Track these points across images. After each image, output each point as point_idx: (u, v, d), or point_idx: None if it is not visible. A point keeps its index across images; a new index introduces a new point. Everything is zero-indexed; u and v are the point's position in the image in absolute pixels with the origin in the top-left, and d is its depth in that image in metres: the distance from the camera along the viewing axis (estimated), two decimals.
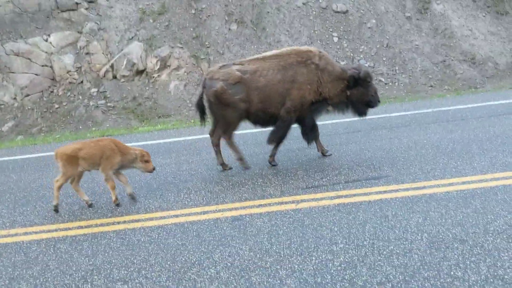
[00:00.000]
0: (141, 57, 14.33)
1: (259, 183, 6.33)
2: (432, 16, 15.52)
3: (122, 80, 14.19)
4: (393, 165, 6.53)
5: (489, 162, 6.18)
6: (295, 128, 7.32)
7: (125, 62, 14.18)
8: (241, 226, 4.95)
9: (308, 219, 4.95)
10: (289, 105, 6.80)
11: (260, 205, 5.50)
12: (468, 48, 14.73)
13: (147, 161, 5.88)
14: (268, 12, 15.49)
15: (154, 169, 5.98)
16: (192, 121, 12.53)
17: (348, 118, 9.98)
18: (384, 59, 14.42)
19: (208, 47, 14.79)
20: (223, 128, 7.02)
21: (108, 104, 13.75)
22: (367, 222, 4.74)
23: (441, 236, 4.28)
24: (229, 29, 15.11)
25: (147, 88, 14.11)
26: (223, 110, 6.85)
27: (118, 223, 5.42)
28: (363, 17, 15.38)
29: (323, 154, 7.36)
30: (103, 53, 14.46)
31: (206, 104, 7.13)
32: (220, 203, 5.71)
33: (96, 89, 13.99)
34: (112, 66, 14.28)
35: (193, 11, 15.36)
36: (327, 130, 9.31)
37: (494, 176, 5.63)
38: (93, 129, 12.98)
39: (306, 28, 15.14)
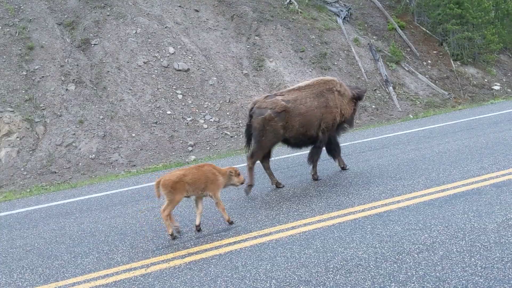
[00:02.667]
0: None
1: (105, 251, 5.91)
2: (267, 73, 16.87)
3: None
4: (242, 214, 6.69)
5: (325, 203, 6.72)
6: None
7: None
8: None
9: (159, 283, 4.74)
10: (324, 127, 7.90)
11: (106, 275, 5.10)
12: None
13: (239, 175, 6.39)
14: (108, 71, 15.18)
15: (244, 180, 6.58)
16: (28, 190, 11.37)
17: None
18: (228, 113, 15.07)
19: (43, 109, 13.80)
20: (253, 151, 7.82)
21: None
22: (218, 276, 4.71)
23: (288, 280, 4.44)
24: (67, 89, 14.38)
25: None
26: (264, 135, 7.63)
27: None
28: (204, 75, 16.01)
29: (343, 168, 8.57)
30: None
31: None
32: (60, 280, 5.15)
33: None
34: None
35: (24, 73, 14.31)
36: None
37: (331, 215, 6.13)
38: None
39: (149, 86, 15.17)
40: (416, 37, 21.15)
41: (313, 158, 8.11)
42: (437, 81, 19.07)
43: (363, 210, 6.15)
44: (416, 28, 21.65)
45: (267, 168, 8.13)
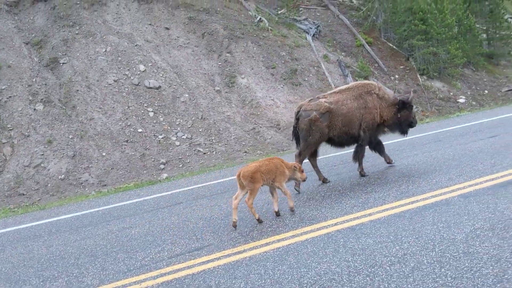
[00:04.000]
0: None
1: (74, 274, 5.74)
2: (239, 89, 16.95)
3: None
4: (215, 232, 6.63)
5: (299, 217, 6.73)
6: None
7: None
8: None
9: None
10: (364, 127, 8.52)
11: None
12: (272, 115, 16.34)
13: (302, 171, 7.04)
14: (78, 90, 14.97)
15: (306, 178, 7.23)
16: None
17: (172, 190, 10.00)
18: (200, 130, 15.02)
19: (10, 129, 13.46)
20: (301, 150, 8.47)
21: None
22: None
23: None
24: (35, 109, 14.08)
25: None
26: (311, 135, 8.33)
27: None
28: (176, 92, 15.96)
29: (389, 163, 9.16)
30: None
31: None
32: None
33: None
34: None
35: None
36: (148, 205, 9.11)
37: (304, 230, 6.13)
38: None
39: (119, 104, 15.01)
40: (383, 53, 21.68)
41: (358, 156, 8.79)
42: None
43: (336, 224, 6.18)
44: (383, 44, 22.21)
45: (314, 166, 8.85)
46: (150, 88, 15.83)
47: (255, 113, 16.23)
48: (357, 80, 19.08)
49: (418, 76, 20.56)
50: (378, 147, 9.09)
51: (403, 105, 8.75)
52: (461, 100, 20.08)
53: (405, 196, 6.95)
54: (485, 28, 23.94)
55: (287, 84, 17.83)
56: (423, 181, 7.64)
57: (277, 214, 6.90)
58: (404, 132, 9.18)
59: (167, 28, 18.24)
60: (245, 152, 14.37)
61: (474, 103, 20.22)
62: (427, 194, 6.91)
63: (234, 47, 18.17)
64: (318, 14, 23.23)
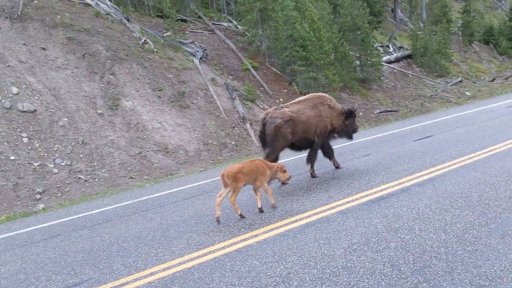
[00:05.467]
0: None
1: None
2: (123, 112, 16.34)
3: None
4: (96, 265, 6.20)
5: (186, 243, 6.58)
6: None
7: None
8: None
9: None
10: (318, 133, 9.72)
11: None
12: (160, 139, 15.98)
13: (285, 171, 7.74)
14: None
15: (290, 177, 7.98)
16: None
17: (50, 222, 9.21)
18: (81, 156, 14.14)
19: None
20: (268, 153, 9.42)
21: None
22: None
23: None
24: None
25: None
26: (276, 140, 9.35)
27: None
28: (54, 115, 14.91)
29: (337, 167, 10.35)
30: None
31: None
32: None
33: None
34: None
35: None
36: (21, 239, 8.25)
37: (191, 257, 5.99)
38: None
39: None
40: (268, 77, 22.56)
41: (311, 159, 9.85)
42: None
43: (223, 248, 6.14)
44: (268, 69, 23.14)
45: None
46: (24, 111, 14.59)
47: (141, 137, 15.76)
48: (244, 104, 19.58)
49: None
50: (329, 152, 10.26)
51: (350, 114, 10.13)
52: None
53: (289, 215, 7.17)
54: (358, 55, 26.06)
55: (175, 107, 17.64)
56: (306, 200, 7.96)
57: (260, 210, 7.55)
58: (350, 137, 10.60)
59: (44, 48, 17.06)
60: (131, 178, 13.81)
61: None
62: (310, 212, 7.20)
63: (118, 68, 17.57)
64: (205, 38, 23.53)
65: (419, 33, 31.14)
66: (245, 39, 23.78)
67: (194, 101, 18.37)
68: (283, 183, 9.16)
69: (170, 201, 9.72)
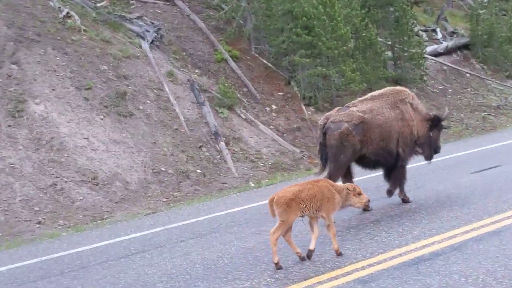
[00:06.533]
0: None
1: None
2: (31, 121, 16.04)
3: None
4: None
5: None
6: None
7: None
8: None
9: None
10: (402, 142, 9.99)
11: None
12: (86, 163, 15.72)
13: (360, 194, 7.77)
14: None
15: (369, 200, 8.05)
16: None
17: None
18: None
19: None
20: (331, 173, 9.79)
21: None
22: None
23: None
24: None
25: None
26: (341, 152, 9.69)
27: None
28: None
29: (405, 200, 10.52)
30: None
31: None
32: None
33: None
34: None
35: None
36: None
37: None
38: None
39: None
40: (255, 73, 22.57)
41: (400, 181, 10.31)
42: (285, 134, 20.35)
43: None
44: (255, 60, 23.17)
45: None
46: None
47: (57, 160, 15.48)
48: (218, 112, 19.44)
49: (303, 106, 21.57)
50: (399, 175, 10.49)
51: (437, 123, 10.38)
52: None
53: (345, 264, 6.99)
54: (390, 43, 26.05)
55: (111, 115, 17.45)
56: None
57: (308, 256, 7.70)
58: (430, 156, 10.85)
59: None
60: (39, 222, 13.54)
61: None
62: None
63: (25, 55, 17.41)
64: (160, 11, 23.55)
65: (481, 11, 31.44)
66: (221, 15, 23.84)
67: (141, 107, 18.26)
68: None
69: (98, 261, 9.54)
